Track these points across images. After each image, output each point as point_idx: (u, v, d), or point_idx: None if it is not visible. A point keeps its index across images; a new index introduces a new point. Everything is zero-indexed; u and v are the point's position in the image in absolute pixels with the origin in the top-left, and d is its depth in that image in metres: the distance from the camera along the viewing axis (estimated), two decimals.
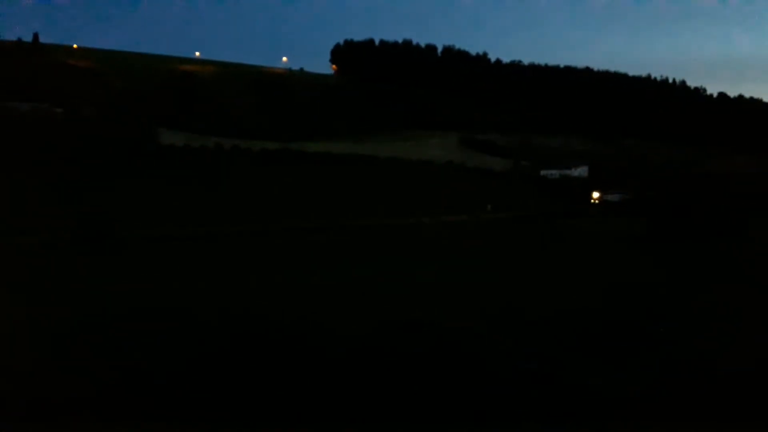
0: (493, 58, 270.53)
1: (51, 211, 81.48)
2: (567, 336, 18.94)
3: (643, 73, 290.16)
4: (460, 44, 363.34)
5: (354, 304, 25.56)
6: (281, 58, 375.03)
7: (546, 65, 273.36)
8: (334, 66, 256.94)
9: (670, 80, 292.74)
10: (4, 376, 14.39)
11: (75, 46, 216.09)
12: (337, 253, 61.08)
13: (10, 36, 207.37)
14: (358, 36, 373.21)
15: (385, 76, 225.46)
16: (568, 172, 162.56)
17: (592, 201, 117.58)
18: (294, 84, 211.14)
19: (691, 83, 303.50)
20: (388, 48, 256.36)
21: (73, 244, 66.34)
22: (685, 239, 56.73)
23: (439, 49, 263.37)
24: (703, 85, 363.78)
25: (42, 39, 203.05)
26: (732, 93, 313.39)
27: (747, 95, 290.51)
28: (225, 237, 77.15)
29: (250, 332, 19.42)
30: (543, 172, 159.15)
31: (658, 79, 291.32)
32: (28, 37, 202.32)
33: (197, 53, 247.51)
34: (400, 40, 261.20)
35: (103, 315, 21.41)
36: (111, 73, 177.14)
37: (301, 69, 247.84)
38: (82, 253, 59.75)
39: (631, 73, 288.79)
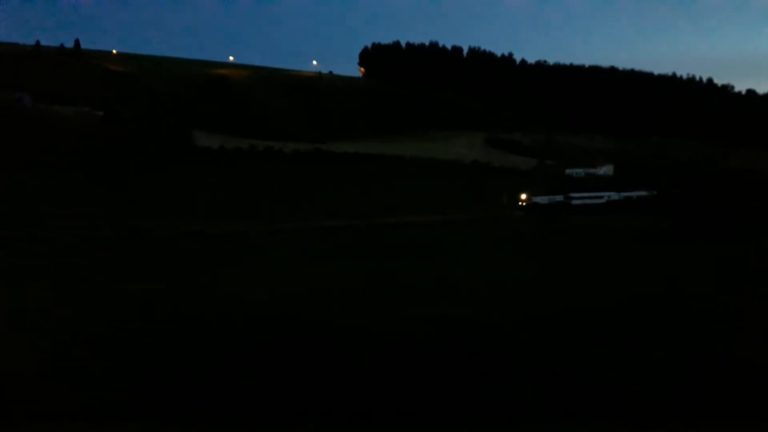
0: (518, 58, 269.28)
1: (89, 208, 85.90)
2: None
3: (668, 72, 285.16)
4: (485, 45, 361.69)
5: (380, 299, 25.93)
6: (311, 62, 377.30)
7: (571, 65, 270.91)
8: (362, 68, 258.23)
9: (697, 78, 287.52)
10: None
11: (114, 51, 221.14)
12: (363, 251, 62.16)
13: (53, 42, 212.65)
14: (386, 39, 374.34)
15: (412, 77, 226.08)
16: (593, 170, 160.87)
17: (520, 203, 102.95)
18: (324, 87, 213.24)
19: (719, 81, 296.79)
20: (415, 50, 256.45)
21: (109, 239, 70.03)
22: (711, 237, 56.09)
23: (465, 50, 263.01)
24: (731, 83, 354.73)
25: (83, 45, 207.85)
26: (761, 90, 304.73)
27: None
28: (257, 235, 79.64)
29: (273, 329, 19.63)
30: (568, 171, 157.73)
31: (684, 77, 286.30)
32: (69, 43, 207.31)
33: (231, 58, 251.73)
34: (426, 42, 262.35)
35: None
36: (148, 78, 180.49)
37: (330, 72, 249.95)
38: (116, 248, 63.26)
39: (657, 71, 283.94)
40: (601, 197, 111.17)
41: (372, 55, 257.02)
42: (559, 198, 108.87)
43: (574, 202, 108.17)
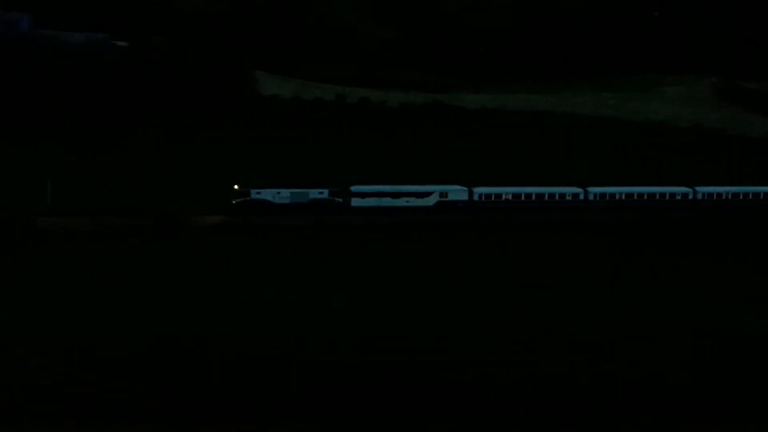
0: None
1: (99, 188, 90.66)
2: None
3: None
4: None
5: None
6: None
7: None
8: None
9: None
10: None
11: None
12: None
13: None
14: None
15: None
16: None
17: (233, 200, 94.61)
18: (448, 3, 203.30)
19: None
20: None
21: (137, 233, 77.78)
22: None
23: None
24: None
25: None
26: None
27: None
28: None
29: None
30: None
31: None
32: None
33: None
34: None
35: None
36: None
37: None
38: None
39: None
40: (426, 194, 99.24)
41: None
42: (320, 194, 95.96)
43: (357, 202, 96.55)
